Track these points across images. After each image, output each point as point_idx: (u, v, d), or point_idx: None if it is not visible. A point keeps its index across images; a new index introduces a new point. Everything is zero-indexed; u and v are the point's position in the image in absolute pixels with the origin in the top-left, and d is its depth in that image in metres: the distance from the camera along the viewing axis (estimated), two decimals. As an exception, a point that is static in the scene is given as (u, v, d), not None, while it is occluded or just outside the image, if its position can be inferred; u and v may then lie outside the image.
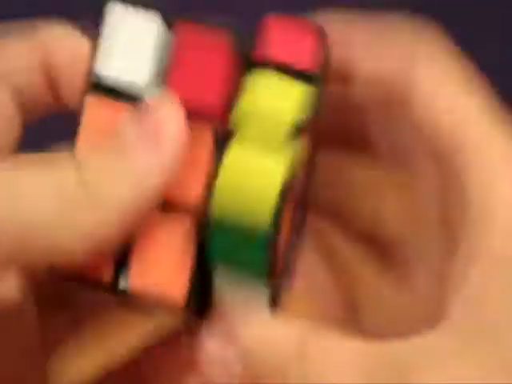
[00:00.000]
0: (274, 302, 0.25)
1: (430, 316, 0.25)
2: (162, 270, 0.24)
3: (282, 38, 0.25)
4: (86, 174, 0.23)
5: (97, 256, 0.24)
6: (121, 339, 0.28)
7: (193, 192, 0.25)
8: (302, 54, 0.25)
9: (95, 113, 0.25)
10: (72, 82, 0.26)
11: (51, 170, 0.23)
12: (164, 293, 0.24)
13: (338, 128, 0.28)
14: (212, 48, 0.25)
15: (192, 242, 0.24)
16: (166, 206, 0.25)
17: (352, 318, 0.29)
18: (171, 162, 0.23)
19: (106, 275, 0.25)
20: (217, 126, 0.25)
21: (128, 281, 0.25)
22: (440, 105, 0.25)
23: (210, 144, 0.25)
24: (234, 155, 0.24)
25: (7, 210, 0.22)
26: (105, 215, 0.23)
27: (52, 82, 0.26)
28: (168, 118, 0.24)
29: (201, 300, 0.25)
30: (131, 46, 0.25)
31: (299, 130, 0.24)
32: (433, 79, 0.25)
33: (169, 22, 0.26)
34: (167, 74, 0.25)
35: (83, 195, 0.23)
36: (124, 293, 0.25)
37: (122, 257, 0.25)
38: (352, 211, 0.29)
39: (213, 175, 0.24)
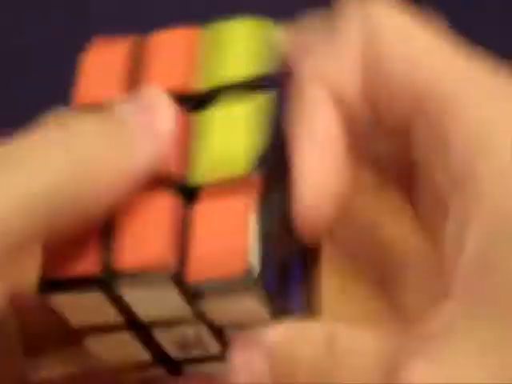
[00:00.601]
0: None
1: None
2: (149, 244, 0.23)
3: None
4: (76, 158, 0.23)
5: (81, 251, 0.23)
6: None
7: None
8: None
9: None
10: None
11: (46, 159, 0.23)
12: (152, 263, 0.23)
13: None
14: None
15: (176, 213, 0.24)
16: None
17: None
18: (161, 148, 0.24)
19: (94, 266, 0.24)
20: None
21: (115, 261, 0.23)
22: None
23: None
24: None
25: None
26: (90, 189, 0.23)
27: None
28: (161, 110, 0.24)
29: None
30: None
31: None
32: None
33: None
34: None
35: (71, 179, 0.23)
36: (113, 279, 0.23)
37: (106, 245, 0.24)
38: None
39: None
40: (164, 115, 0.24)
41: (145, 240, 0.23)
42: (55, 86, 0.75)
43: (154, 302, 0.24)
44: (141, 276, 0.23)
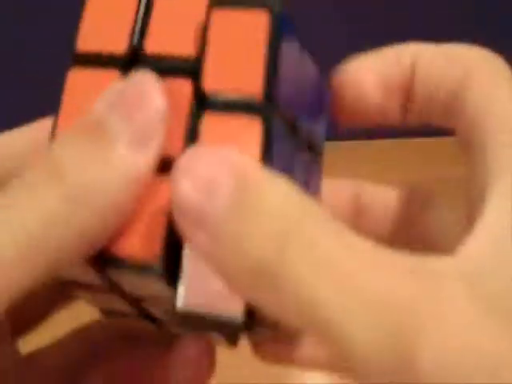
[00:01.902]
0: None
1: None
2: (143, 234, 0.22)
3: None
4: (69, 185, 0.21)
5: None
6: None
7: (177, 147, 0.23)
8: None
9: (78, 86, 0.24)
10: None
11: (34, 197, 0.21)
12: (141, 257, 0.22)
13: None
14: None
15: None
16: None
17: None
18: (156, 155, 0.22)
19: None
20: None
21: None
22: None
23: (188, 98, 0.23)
24: None
25: None
26: (91, 216, 0.21)
27: None
28: (153, 103, 0.22)
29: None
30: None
31: None
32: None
33: None
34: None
35: (67, 210, 0.21)
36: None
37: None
38: None
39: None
40: (152, 108, 0.22)
41: (141, 229, 0.22)
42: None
43: (141, 286, 0.23)
44: (128, 266, 0.22)
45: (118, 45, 0.24)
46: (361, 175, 0.30)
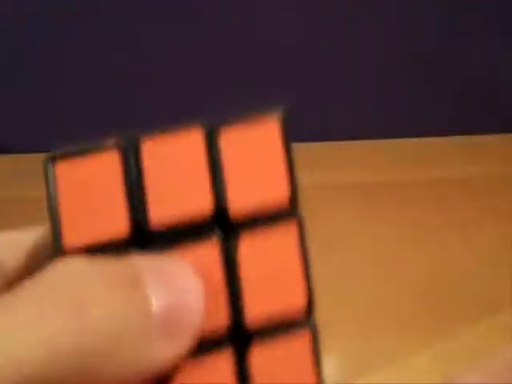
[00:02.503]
0: None
1: None
2: None
3: None
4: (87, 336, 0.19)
5: None
6: None
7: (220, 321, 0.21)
8: None
9: None
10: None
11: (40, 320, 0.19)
12: None
13: None
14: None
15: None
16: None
17: None
18: (188, 347, 0.20)
19: None
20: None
21: None
22: None
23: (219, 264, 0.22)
24: None
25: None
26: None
27: None
28: (187, 299, 0.20)
29: None
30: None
31: None
32: None
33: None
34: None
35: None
36: None
37: None
38: None
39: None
40: (190, 296, 0.20)
41: None
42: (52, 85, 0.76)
43: None
44: None
45: (117, 227, 0.21)
46: (362, 175, 0.30)
